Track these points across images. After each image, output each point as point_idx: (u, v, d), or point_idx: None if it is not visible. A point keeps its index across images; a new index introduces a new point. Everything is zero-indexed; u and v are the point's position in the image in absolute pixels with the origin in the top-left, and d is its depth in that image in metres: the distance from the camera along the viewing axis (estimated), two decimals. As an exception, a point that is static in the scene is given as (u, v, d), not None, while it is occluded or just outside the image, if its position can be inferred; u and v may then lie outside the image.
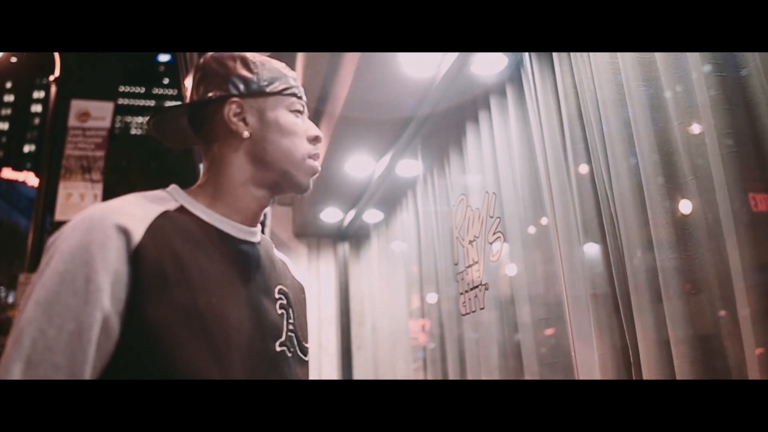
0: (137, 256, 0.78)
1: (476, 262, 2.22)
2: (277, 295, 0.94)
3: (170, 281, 0.79)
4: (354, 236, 4.64)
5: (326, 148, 3.23)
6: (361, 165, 3.38)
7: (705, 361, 1.44)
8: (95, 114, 7.78)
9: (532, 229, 2.12)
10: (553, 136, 1.98)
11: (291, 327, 0.94)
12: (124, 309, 0.76)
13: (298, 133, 0.96)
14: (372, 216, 4.17)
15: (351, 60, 2.57)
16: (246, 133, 0.93)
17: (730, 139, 1.36)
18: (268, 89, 0.95)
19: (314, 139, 0.98)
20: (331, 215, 4.25)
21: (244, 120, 0.94)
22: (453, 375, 2.78)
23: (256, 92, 0.95)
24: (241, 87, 0.94)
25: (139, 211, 0.83)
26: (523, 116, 2.23)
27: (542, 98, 2.05)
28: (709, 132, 1.40)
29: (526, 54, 2.10)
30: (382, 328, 4.16)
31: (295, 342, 0.94)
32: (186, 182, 0.99)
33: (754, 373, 1.26)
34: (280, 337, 0.91)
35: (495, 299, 2.22)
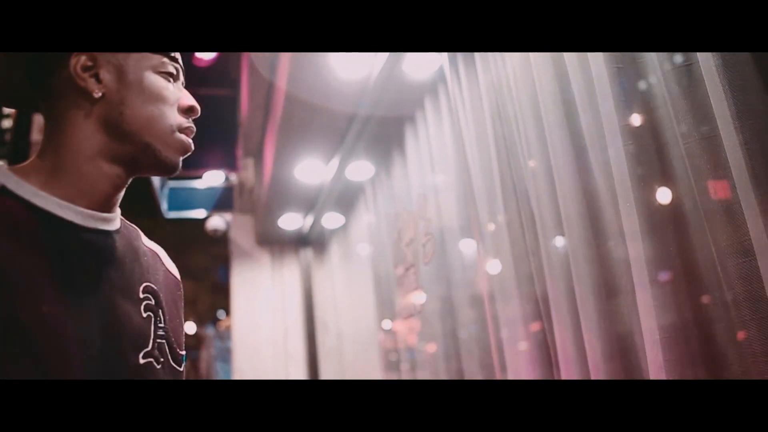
0: None
1: (413, 265, 2.19)
2: (141, 295, 0.77)
3: None
4: (316, 242, 4.60)
5: (273, 154, 3.19)
6: (310, 169, 3.34)
7: (620, 358, 1.42)
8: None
9: (463, 231, 2.10)
10: (480, 136, 1.96)
11: (161, 333, 0.77)
12: None
13: (167, 99, 0.78)
14: (332, 220, 4.14)
15: (284, 64, 2.54)
16: (98, 93, 0.74)
17: (630, 134, 1.34)
18: None
19: (188, 110, 0.80)
20: (290, 222, 4.21)
21: (96, 76, 0.75)
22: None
23: None
24: None
25: None
26: (456, 117, 2.21)
27: (468, 98, 2.02)
28: (612, 128, 1.38)
29: (448, 55, 2.08)
30: (349, 333, 4.12)
31: (167, 350, 0.78)
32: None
33: (658, 371, 1.24)
34: (146, 346, 0.74)
35: (430, 302, 2.20)
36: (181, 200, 4.86)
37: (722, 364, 1.18)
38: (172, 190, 4.81)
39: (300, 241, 4.59)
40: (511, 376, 1.76)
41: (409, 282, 2.24)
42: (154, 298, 0.79)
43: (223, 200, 4.87)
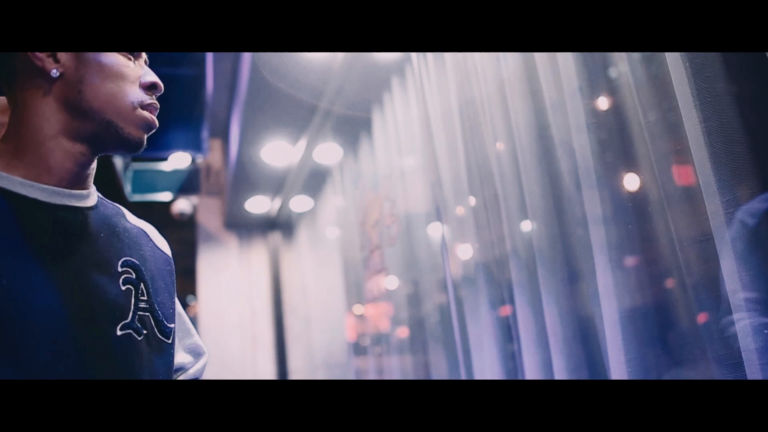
0: None
1: (378, 247, 2.17)
2: (120, 269, 0.78)
3: None
4: (284, 225, 4.55)
5: (239, 135, 3.12)
6: (277, 151, 3.28)
7: (581, 341, 1.42)
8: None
9: (429, 214, 2.08)
10: (446, 118, 1.94)
11: (143, 306, 0.78)
12: None
13: (127, 76, 0.79)
14: (300, 204, 4.09)
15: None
16: (55, 71, 0.75)
17: (594, 116, 1.33)
18: None
19: (150, 87, 0.81)
20: (257, 205, 4.15)
21: (54, 56, 0.76)
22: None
23: None
24: None
25: None
26: (422, 99, 2.18)
27: (435, 80, 2.00)
28: (576, 110, 1.36)
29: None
30: (317, 317, 4.10)
31: (151, 323, 0.79)
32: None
33: (618, 366, 1.24)
34: (124, 318, 0.75)
35: (395, 284, 2.18)
36: (145, 183, 4.74)
37: (680, 345, 1.19)
38: (136, 172, 4.69)
39: (268, 225, 4.53)
40: (474, 360, 1.76)
41: (374, 264, 2.22)
42: (134, 272, 0.80)
43: (189, 183, 4.77)
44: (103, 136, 0.77)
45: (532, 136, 1.53)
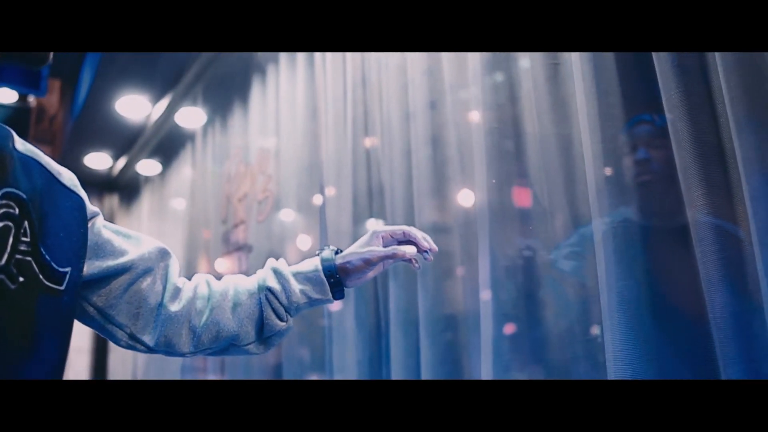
0: None
1: (243, 222, 2.06)
2: None
3: None
4: (126, 188, 4.16)
5: (92, 79, 2.79)
6: (134, 106, 2.99)
7: (451, 331, 1.46)
8: None
9: (304, 193, 2.02)
10: (336, 99, 1.89)
11: (24, 248, 0.67)
12: None
13: None
14: (148, 167, 3.76)
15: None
16: None
17: (496, 134, 1.37)
18: None
19: None
20: (97, 161, 3.75)
21: None
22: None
23: None
24: None
25: None
26: (311, 74, 2.11)
27: (330, 58, 1.95)
28: (477, 126, 1.40)
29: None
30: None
31: (34, 268, 0.67)
32: None
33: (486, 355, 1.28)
34: None
35: (259, 263, 2.08)
36: (-44, 115, 4.04)
37: (548, 343, 1.27)
38: (-54, 101, 3.99)
39: (106, 185, 4.12)
40: (335, 351, 1.74)
41: (236, 239, 2.10)
42: (18, 207, 0.67)
43: (13, 124, 4.15)
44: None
45: (426, 127, 1.55)
